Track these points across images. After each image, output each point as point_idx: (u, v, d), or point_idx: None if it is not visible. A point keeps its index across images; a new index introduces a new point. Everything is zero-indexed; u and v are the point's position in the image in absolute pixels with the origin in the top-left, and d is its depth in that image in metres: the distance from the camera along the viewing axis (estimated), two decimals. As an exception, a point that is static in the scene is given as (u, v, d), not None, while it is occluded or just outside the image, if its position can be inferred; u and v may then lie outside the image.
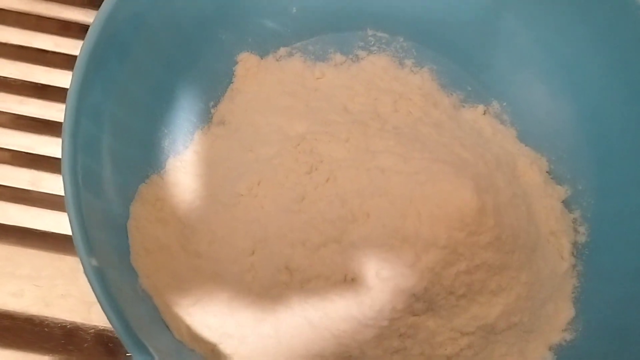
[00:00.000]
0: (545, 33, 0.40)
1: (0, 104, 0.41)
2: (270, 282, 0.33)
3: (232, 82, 0.40)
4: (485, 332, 0.34)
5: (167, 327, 0.32)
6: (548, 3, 0.39)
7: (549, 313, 0.36)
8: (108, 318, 0.26)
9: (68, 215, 0.27)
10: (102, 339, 0.36)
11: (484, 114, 0.42)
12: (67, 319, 0.37)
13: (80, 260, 0.26)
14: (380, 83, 0.41)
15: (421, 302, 0.32)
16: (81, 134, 0.30)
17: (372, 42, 0.42)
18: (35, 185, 0.40)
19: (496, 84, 0.42)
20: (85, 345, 0.36)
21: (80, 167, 0.29)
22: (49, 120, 0.41)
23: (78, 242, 0.27)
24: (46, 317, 0.37)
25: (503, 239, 0.33)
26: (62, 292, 0.37)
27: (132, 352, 0.26)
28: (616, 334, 0.33)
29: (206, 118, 0.39)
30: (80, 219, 0.27)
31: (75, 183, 0.28)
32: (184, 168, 0.37)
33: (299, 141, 0.36)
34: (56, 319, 0.37)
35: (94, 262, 0.26)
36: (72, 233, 0.27)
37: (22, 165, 0.40)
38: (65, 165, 0.28)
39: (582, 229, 0.39)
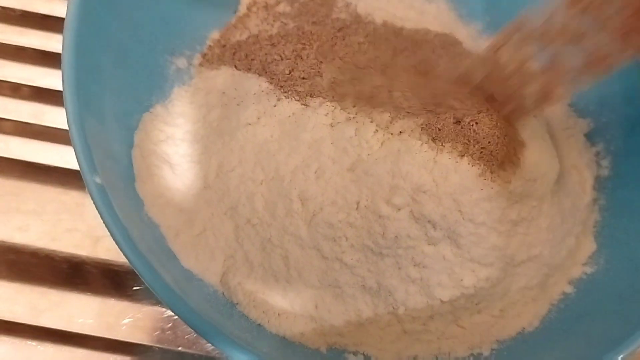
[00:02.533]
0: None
1: (0, 35, 0.40)
2: (281, 211, 0.32)
3: (238, 11, 0.38)
4: (504, 263, 0.32)
5: (174, 255, 0.31)
6: None
7: (570, 247, 0.35)
8: (112, 235, 0.25)
9: (70, 134, 0.26)
10: (107, 273, 0.35)
11: (503, 45, 0.40)
12: (73, 252, 0.36)
13: (84, 178, 0.25)
14: (396, 12, 0.40)
15: (438, 230, 0.31)
16: (82, 57, 0.28)
17: (386, -30, 0.40)
18: (38, 118, 0.38)
19: (518, 13, 0.40)
20: (91, 278, 0.35)
21: (83, 90, 0.28)
22: (50, 52, 0.39)
23: (81, 159, 0.25)
24: (52, 250, 0.36)
25: (525, 166, 0.31)
26: (68, 227, 0.37)
27: (138, 269, 0.25)
28: (635, 267, 0.32)
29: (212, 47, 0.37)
30: (83, 137, 0.26)
31: (77, 102, 0.27)
32: (189, 98, 0.36)
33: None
34: (62, 252, 0.36)
35: (98, 180, 0.25)
36: (75, 151, 0.26)
37: (24, 97, 0.39)
38: (66, 86, 0.27)
39: (604, 163, 0.37)
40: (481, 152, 0.30)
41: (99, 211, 0.25)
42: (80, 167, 0.25)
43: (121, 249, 0.25)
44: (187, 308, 0.25)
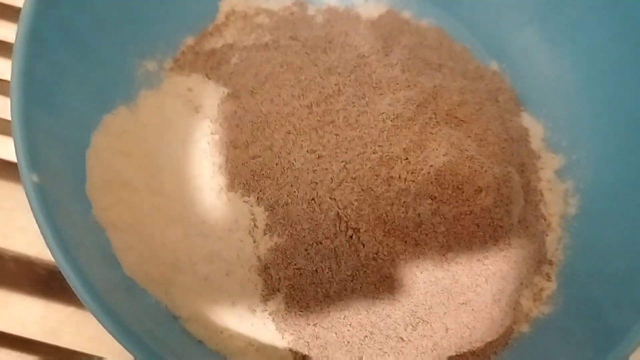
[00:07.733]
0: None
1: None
2: (232, 226, 0.31)
3: (216, 19, 0.38)
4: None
5: (118, 263, 0.30)
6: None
7: (533, 283, 0.34)
8: (43, 236, 0.24)
9: (12, 126, 0.25)
10: (56, 275, 0.34)
11: (482, 74, 0.39)
12: (22, 252, 0.35)
13: (20, 174, 0.24)
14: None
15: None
16: (36, 46, 0.27)
17: (370, -10, 0.40)
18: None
19: (497, 43, 0.40)
20: (38, 280, 0.34)
21: (34, 81, 0.27)
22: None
23: (19, 154, 0.24)
24: (1, 248, 0.35)
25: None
26: (21, 225, 0.36)
27: (69, 277, 0.24)
28: (594, 310, 0.31)
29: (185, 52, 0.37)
30: (26, 131, 0.25)
31: (23, 92, 0.26)
32: (156, 102, 0.35)
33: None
34: (11, 251, 0.35)
35: (35, 178, 0.24)
36: (15, 145, 0.25)
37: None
38: (14, 75, 0.26)
39: (572, 201, 0.36)
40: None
41: (32, 211, 0.24)
42: (18, 163, 0.24)
43: (50, 250, 0.24)
44: (114, 320, 0.24)
